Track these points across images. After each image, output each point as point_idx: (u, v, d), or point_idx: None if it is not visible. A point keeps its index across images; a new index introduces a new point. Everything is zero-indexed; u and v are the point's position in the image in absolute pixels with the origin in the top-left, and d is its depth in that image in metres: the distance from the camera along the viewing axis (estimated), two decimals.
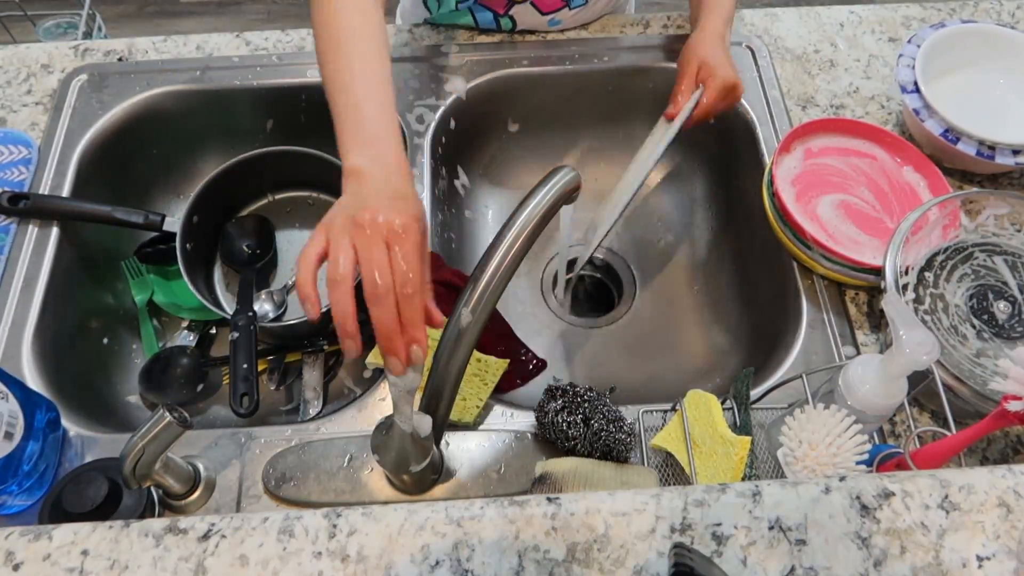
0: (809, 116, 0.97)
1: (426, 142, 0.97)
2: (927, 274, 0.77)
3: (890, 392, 0.61)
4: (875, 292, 0.84)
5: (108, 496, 0.66)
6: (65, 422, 0.76)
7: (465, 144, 1.05)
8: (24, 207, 0.88)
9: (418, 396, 0.70)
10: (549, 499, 0.54)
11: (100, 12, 1.80)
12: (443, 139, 1.01)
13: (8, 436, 0.66)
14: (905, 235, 0.77)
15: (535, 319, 1.02)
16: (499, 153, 1.11)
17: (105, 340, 0.94)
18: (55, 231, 0.89)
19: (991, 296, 0.76)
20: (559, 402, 0.72)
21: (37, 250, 0.87)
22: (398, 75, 1.02)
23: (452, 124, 1.01)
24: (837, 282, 0.84)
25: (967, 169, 0.91)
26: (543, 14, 1.01)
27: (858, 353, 0.80)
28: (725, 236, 1.05)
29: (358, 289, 0.55)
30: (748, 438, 0.67)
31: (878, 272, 0.77)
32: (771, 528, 0.52)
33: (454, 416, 0.75)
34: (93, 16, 1.75)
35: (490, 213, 1.11)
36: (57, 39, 1.76)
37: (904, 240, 0.76)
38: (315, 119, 1.05)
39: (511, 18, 1.02)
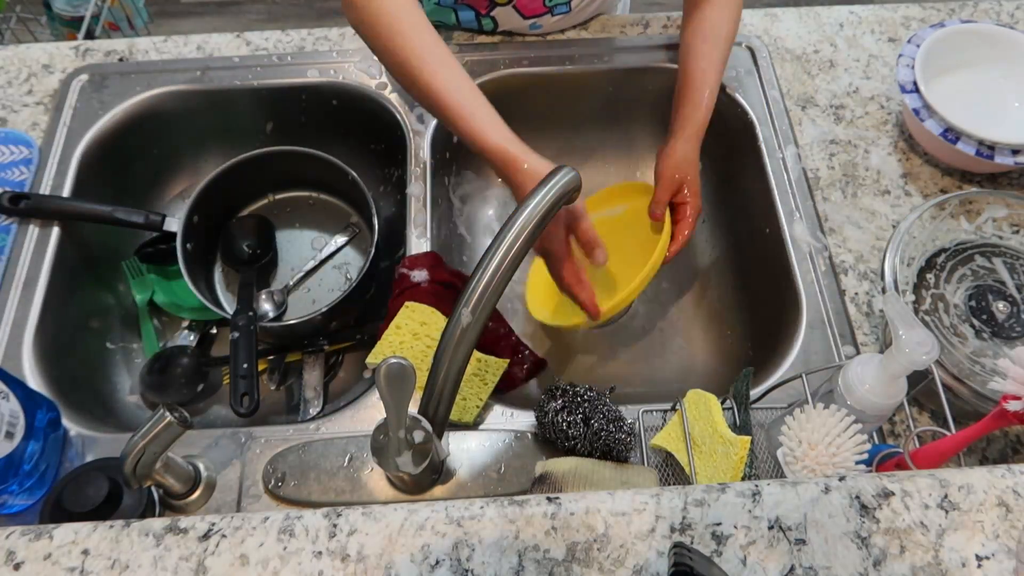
0: (809, 116, 0.98)
1: (426, 142, 0.97)
2: (928, 275, 0.77)
3: (890, 392, 0.61)
4: (875, 292, 0.84)
5: (109, 496, 0.66)
6: (66, 422, 0.76)
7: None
8: (25, 207, 0.88)
9: (417, 395, 0.70)
10: (549, 499, 0.54)
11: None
12: (443, 139, 1.01)
13: (9, 436, 0.66)
14: (904, 235, 0.77)
15: (535, 319, 1.02)
16: None
17: (106, 340, 0.94)
18: (56, 231, 0.89)
19: (990, 296, 0.76)
20: (559, 402, 0.72)
21: (38, 250, 0.87)
22: None
23: None
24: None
25: (967, 169, 0.91)
26: (525, 18, 1.01)
27: (858, 353, 0.80)
28: (725, 236, 1.05)
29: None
30: (748, 438, 0.67)
31: None
32: (771, 528, 0.52)
33: (454, 416, 0.75)
34: None
35: (490, 213, 1.11)
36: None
37: (903, 240, 0.76)
38: (315, 119, 1.05)
39: (493, 19, 1.01)
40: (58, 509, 0.67)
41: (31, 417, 0.69)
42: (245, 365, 0.82)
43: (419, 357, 0.79)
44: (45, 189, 0.92)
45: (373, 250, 0.89)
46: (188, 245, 0.91)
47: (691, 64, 0.89)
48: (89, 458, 0.75)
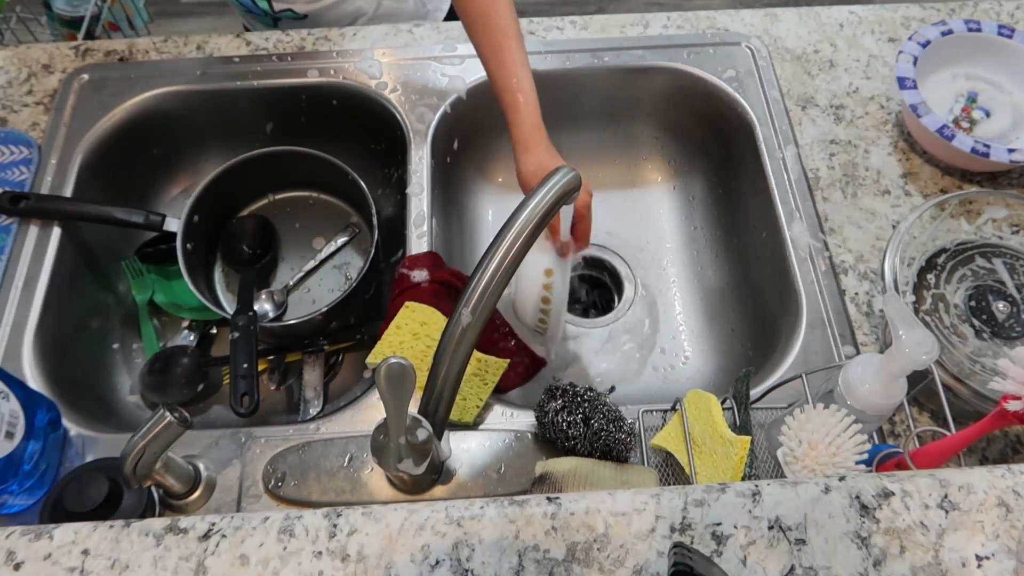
0: (809, 116, 0.98)
1: (427, 142, 0.97)
2: (928, 275, 0.77)
3: (890, 392, 0.61)
4: (875, 292, 0.84)
5: (109, 496, 0.66)
6: (66, 422, 0.76)
7: (465, 144, 1.05)
8: (25, 207, 0.88)
9: (417, 395, 0.70)
10: (549, 499, 0.54)
11: None
12: (443, 139, 1.01)
13: (9, 436, 0.66)
14: (904, 235, 0.77)
15: None
16: (499, 153, 1.11)
17: (106, 340, 0.94)
18: (56, 231, 0.89)
19: (990, 296, 0.76)
20: (559, 402, 0.72)
21: (38, 250, 0.87)
22: (398, 76, 1.02)
23: (452, 124, 1.01)
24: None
25: (966, 167, 0.91)
26: None
27: (858, 353, 0.80)
28: (725, 236, 1.05)
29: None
30: (748, 438, 0.67)
31: None
32: (771, 528, 0.52)
33: (454, 416, 0.75)
34: None
35: (490, 213, 1.11)
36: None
37: (903, 240, 0.76)
38: (315, 119, 1.05)
39: None
40: (58, 509, 0.67)
41: (31, 417, 0.69)
42: (245, 365, 0.82)
43: (419, 357, 0.79)
44: (45, 189, 0.92)
45: (373, 250, 0.89)
46: (188, 245, 0.91)
47: (493, 65, 0.83)
48: (89, 458, 0.75)
